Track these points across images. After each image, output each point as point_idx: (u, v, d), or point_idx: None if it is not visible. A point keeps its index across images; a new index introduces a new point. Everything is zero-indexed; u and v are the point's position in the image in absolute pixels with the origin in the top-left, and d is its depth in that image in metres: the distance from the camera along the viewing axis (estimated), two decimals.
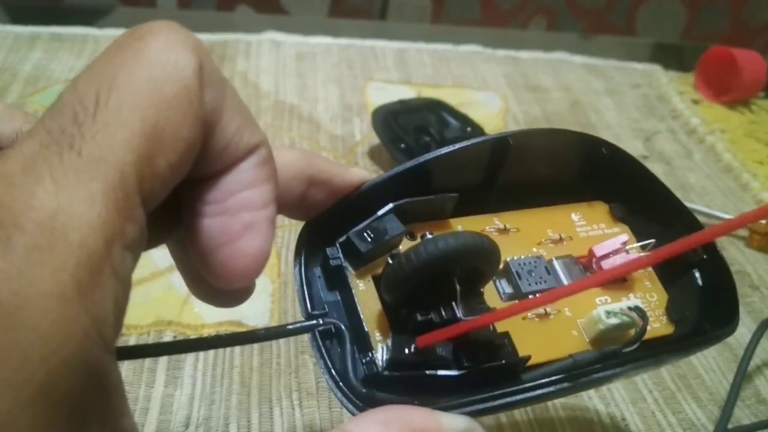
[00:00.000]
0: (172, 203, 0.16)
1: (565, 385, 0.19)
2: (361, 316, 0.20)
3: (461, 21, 1.01)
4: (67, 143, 0.13)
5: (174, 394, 0.31)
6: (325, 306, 0.20)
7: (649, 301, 0.23)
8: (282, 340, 0.34)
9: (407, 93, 0.56)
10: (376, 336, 0.19)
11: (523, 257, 0.22)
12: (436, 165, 0.22)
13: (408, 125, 0.47)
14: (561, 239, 0.24)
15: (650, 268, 0.24)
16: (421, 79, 0.59)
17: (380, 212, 0.21)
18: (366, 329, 0.19)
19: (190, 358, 0.33)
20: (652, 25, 1.06)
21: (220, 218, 0.16)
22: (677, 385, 0.35)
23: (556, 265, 0.23)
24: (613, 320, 0.21)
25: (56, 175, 0.13)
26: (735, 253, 0.45)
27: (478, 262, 0.19)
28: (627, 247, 0.23)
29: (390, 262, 0.19)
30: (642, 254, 0.23)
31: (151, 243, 0.19)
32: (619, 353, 0.21)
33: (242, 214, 0.16)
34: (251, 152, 0.16)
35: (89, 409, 0.13)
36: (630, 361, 0.20)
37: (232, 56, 0.57)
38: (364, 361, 0.19)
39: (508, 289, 0.22)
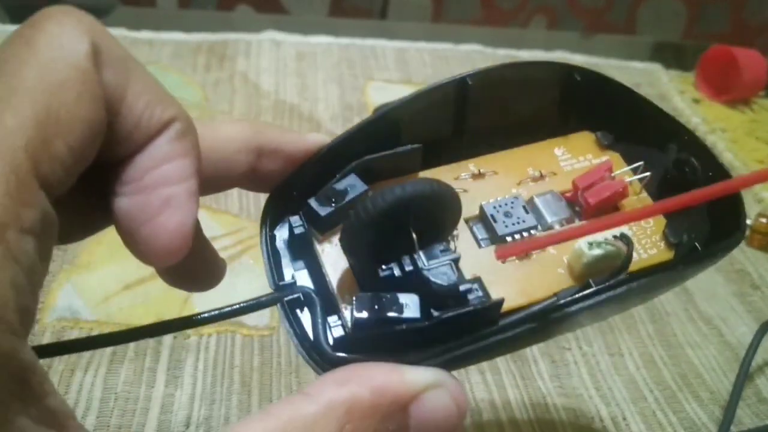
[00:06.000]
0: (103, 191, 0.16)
1: (543, 322, 0.18)
2: (328, 280, 0.19)
3: (462, 20, 1.01)
4: None
5: (174, 394, 0.31)
6: (294, 276, 0.20)
7: (644, 228, 0.22)
8: (282, 341, 0.34)
9: (408, 92, 0.56)
10: (344, 298, 0.19)
11: (498, 199, 0.22)
12: (396, 117, 0.21)
13: None
14: (542, 176, 0.23)
15: (644, 193, 0.23)
16: (422, 78, 0.59)
17: (340, 174, 0.20)
18: (333, 292, 0.19)
19: (190, 357, 0.33)
20: (652, 24, 1.05)
21: (137, 197, 0.16)
22: (678, 385, 0.35)
23: (538, 202, 0.22)
24: (597, 251, 0.20)
25: None
26: (735, 252, 0.45)
27: (432, 208, 0.18)
28: (614, 174, 0.22)
29: None
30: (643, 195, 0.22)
31: (88, 231, 0.19)
32: (604, 282, 0.19)
33: (159, 189, 0.16)
34: (165, 127, 0.16)
35: (3, 391, 0.13)
36: (616, 286, 0.19)
37: (232, 56, 0.57)
38: (332, 325, 0.19)
39: (485, 234, 0.21)
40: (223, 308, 0.19)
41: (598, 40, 0.72)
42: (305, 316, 0.19)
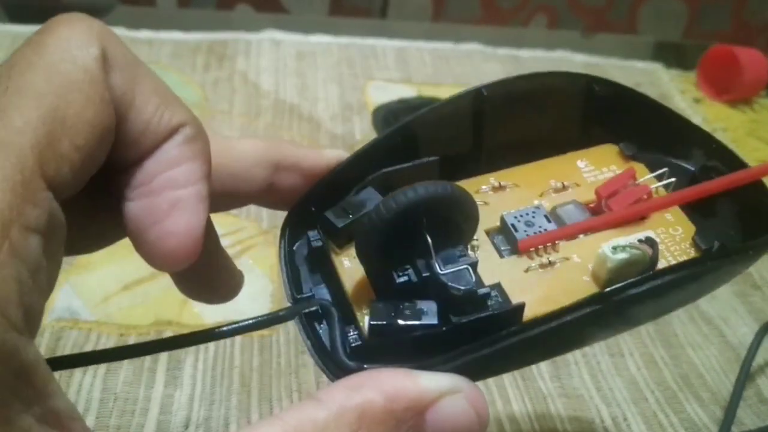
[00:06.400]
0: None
1: (568, 318, 0.17)
2: (345, 290, 0.19)
3: (462, 19, 1.00)
4: None
5: (174, 395, 0.31)
6: (312, 289, 0.20)
7: (672, 235, 0.21)
8: (282, 341, 0.34)
9: (408, 92, 0.56)
10: (361, 308, 0.19)
11: (520, 209, 0.21)
12: (413, 131, 0.21)
13: None
14: (564, 187, 0.22)
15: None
16: (422, 77, 0.59)
17: (357, 187, 0.20)
18: (350, 302, 0.19)
19: (189, 358, 0.32)
20: (653, 24, 1.05)
21: (146, 200, 0.16)
22: (679, 385, 0.35)
23: (560, 213, 0.21)
24: (621, 255, 0.19)
25: None
26: None
27: (446, 210, 0.18)
28: (639, 181, 0.21)
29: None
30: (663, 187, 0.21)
31: (102, 242, 0.20)
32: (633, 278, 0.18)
33: (167, 192, 0.16)
34: (174, 132, 0.17)
35: (5, 389, 0.13)
36: (644, 282, 0.18)
37: (231, 55, 0.57)
38: (350, 335, 0.18)
39: (506, 245, 0.21)
40: (241, 322, 0.19)
41: (599, 39, 0.72)
42: (323, 329, 0.19)
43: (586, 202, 0.22)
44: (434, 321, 0.17)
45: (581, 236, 0.21)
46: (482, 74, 0.61)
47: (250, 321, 0.19)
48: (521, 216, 0.21)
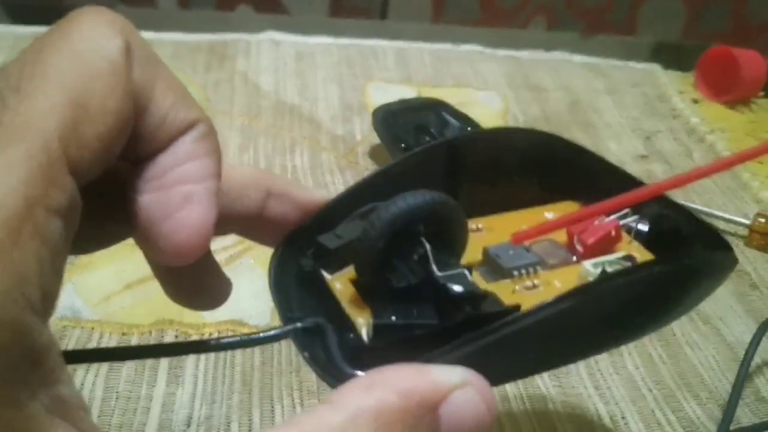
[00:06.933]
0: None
1: (565, 304, 0.18)
2: (340, 305, 0.20)
3: (461, 20, 1.01)
4: None
5: (176, 393, 0.31)
6: (304, 311, 0.20)
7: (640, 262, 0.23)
8: (283, 341, 0.34)
9: (407, 92, 0.56)
10: (358, 319, 0.19)
11: (500, 243, 0.22)
12: (396, 174, 0.22)
13: (408, 125, 0.47)
14: None
15: (636, 243, 0.24)
16: (422, 78, 0.59)
17: (347, 219, 0.21)
18: (347, 314, 0.19)
19: (191, 356, 0.33)
20: (652, 24, 1.06)
21: (158, 193, 0.16)
22: (677, 384, 0.35)
23: (536, 249, 0.23)
24: (602, 270, 0.21)
25: None
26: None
27: (442, 218, 0.19)
28: (607, 219, 0.23)
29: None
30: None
31: (104, 242, 0.20)
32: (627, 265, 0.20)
33: (180, 186, 0.16)
34: (189, 128, 0.17)
35: (15, 371, 0.12)
36: (635, 270, 0.19)
37: (231, 56, 0.57)
38: (350, 344, 0.19)
39: (491, 274, 0.22)
40: (236, 337, 0.20)
41: (598, 40, 0.72)
42: (322, 343, 0.19)
43: (559, 243, 0.23)
44: (435, 321, 0.18)
45: (559, 267, 0.22)
46: (481, 75, 0.61)
47: (248, 337, 0.19)
48: (502, 248, 0.22)
